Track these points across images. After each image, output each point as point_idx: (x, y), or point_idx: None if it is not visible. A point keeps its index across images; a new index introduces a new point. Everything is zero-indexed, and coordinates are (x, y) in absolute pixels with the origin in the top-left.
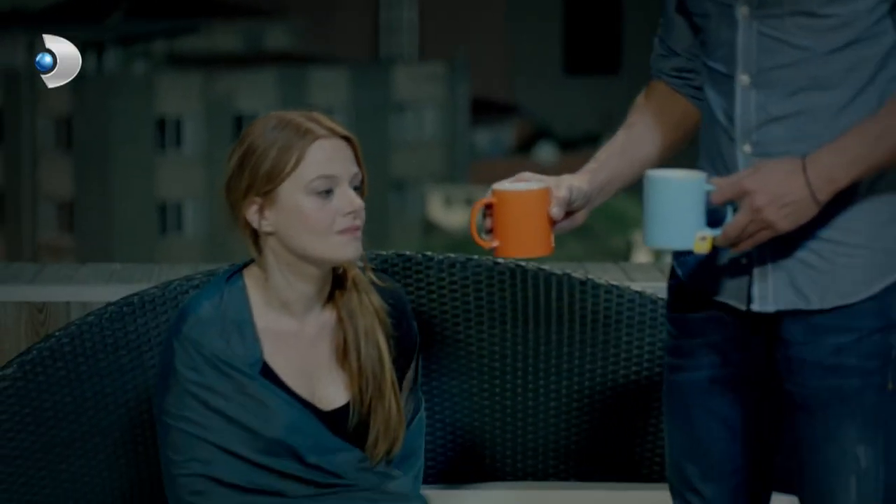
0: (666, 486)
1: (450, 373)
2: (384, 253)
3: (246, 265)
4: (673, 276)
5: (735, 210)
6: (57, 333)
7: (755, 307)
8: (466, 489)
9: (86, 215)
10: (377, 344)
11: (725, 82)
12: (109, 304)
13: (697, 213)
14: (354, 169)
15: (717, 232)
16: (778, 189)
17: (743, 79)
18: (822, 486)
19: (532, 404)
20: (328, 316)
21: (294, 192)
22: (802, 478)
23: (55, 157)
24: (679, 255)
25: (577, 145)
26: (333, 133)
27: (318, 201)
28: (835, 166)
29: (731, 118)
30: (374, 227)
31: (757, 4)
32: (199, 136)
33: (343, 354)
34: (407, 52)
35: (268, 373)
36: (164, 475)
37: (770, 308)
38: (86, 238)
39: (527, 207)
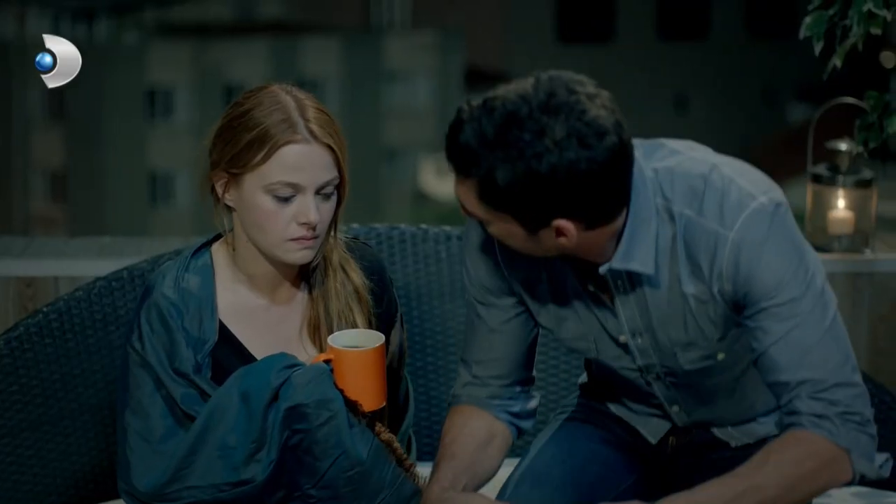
0: None
1: (445, 348)
2: (378, 226)
3: (215, 239)
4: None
5: None
6: (45, 309)
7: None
8: None
9: (77, 186)
10: (354, 325)
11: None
12: (98, 278)
13: None
14: (328, 177)
15: None
16: None
17: (674, 409)
18: None
19: None
20: (301, 292)
21: (255, 187)
22: None
23: (46, 127)
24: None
25: None
26: (314, 138)
27: (276, 204)
28: None
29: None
30: (366, 197)
31: (663, 375)
32: (191, 106)
33: (314, 330)
34: (399, 20)
35: (230, 344)
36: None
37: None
38: (78, 209)
39: (361, 365)
